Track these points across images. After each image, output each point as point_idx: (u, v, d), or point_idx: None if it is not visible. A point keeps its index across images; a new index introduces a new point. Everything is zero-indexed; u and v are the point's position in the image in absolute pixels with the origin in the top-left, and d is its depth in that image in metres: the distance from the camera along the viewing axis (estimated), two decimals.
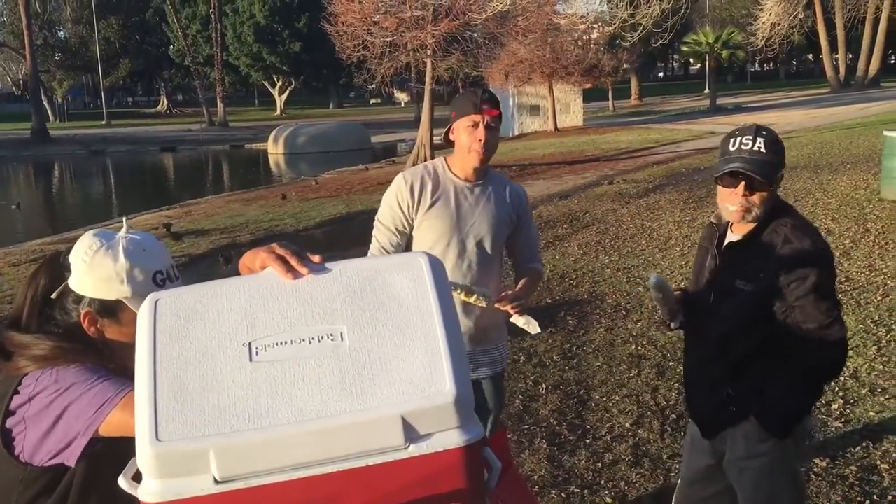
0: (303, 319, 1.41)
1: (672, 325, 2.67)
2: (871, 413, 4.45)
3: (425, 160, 19.82)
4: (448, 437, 1.36)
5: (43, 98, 51.38)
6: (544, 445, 4.32)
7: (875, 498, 3.59)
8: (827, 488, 3.67)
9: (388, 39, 17.78)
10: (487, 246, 2.96)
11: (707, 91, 45.61)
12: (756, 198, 2.36)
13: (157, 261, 1.66)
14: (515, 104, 33.38)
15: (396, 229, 2.97)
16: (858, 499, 3.59)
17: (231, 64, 56.22)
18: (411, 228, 2.96)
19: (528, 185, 17.35)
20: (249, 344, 1.38)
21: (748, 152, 2.35)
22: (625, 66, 40.22)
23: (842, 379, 4.93)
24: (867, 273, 7.17)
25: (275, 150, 34.58)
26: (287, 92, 60.09)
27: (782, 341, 2.37)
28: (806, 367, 2.36)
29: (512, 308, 2.79)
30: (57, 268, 1.69)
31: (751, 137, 2.37)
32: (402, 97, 57.41)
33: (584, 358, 5.71)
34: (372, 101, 67.95)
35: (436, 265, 1.50)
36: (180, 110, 67.23)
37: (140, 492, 1.30)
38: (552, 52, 29.58)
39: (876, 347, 5.39)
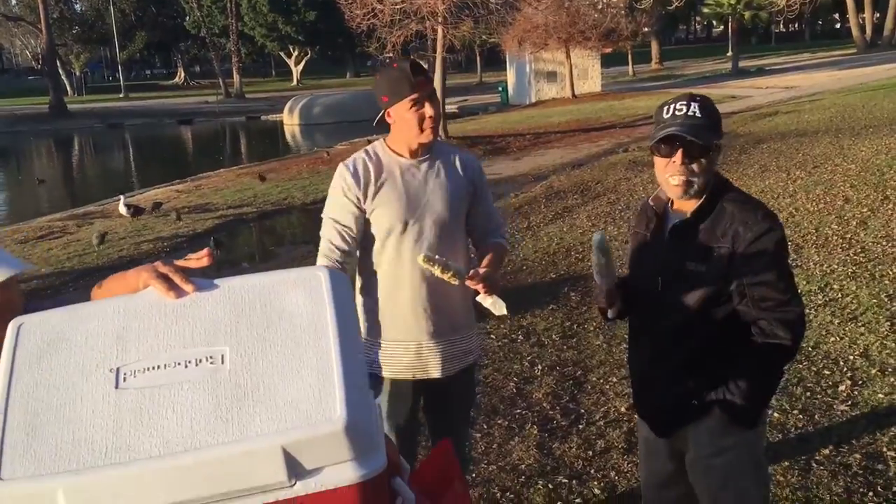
0: (181, 341, 1.25)
1: (609, 314, 2.46)
2: (881, 395, 4.23)
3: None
4: (341, 472, 1.19)
5: (61, 72, 51.51)
6: (535, 431, 4.16)
7: (879, 489, 3.39)
8: (828, 478, 3.48)
9: (397, 6, 17.43)
10: (447, 223, 2.72)
11: (729, 53, 44.72)
12: (696, 166, 2.20)
13: None
14: (532, 71, 32.91)
15: (350, 223, 2.73)
16: (861, 490, 3.39)
17: (246, 34, 55.89)
18: (364, 220, 2.74)
19: (540, 154, 17.12)
20: (117, 370, 1.23)
21: (683, 117, 2.19)
22: (644, 29, 39.44)
23: (851, 357, 4.71)
24: (884, 244, 6.89)
25: (290, 121, 34.42)
26: (303, 62, 59.75)
27: (741, 324, 2.22)
28: (767, 348, 2.20)
29: (483, 287, 2.58)
30: None
31: (685, 103, 2.22)
32: None
33: (584, 336, 5.53)
34: None
35: (337, 280, 1.33)
36: (197, 82, 67.08)
37: None
38: (568, 16, 29.07)
39: (889, 324, 5.14)
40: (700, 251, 2.22)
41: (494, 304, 2.61)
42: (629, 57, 44.14)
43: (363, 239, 2.76)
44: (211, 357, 1.23)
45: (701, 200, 2.24)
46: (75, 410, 1.18)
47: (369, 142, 3.30)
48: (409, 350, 2.75)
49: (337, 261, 2.73)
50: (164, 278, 1.30)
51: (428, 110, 2.62)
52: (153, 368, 1.22)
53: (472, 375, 3.00)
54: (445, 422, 2.95)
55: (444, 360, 2.79)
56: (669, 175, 2.21)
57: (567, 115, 24.91)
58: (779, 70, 38.77)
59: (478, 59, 51.33)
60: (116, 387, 1.20)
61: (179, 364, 1.22)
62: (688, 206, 2.27)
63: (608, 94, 31.49)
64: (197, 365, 1.22)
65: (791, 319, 2.19)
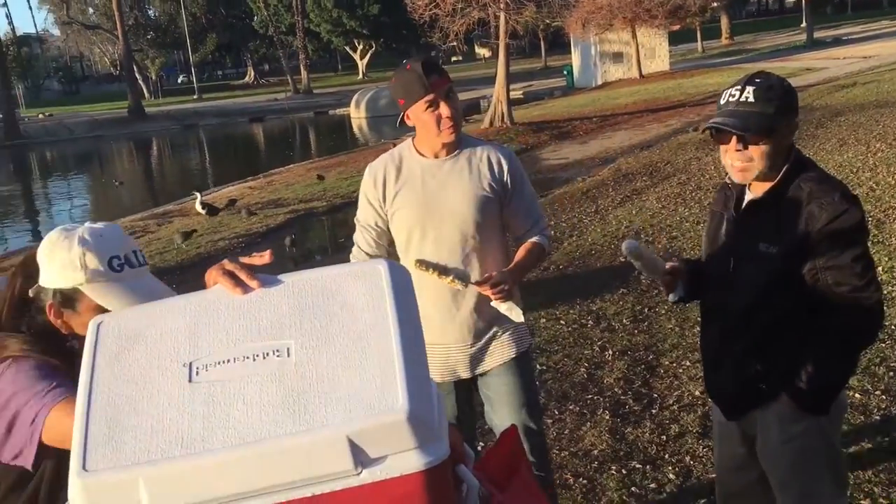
0: (248, 336, 1.30)
1: (670, 297, 2.43)
2: None
3: (502, 118, 19.59)
4: (405, 460, 1.22)
5: (138, 76, 53.15)
6: (607, 417, 4.14)
7: None
8: None
9: None
10: (467, 226, 2.60)
11: (803, 25, 43.20)
12: (754, 152, 2.12)
13: (112, 247, 1.62)
14: (597, 53, 32.46)
15: (375, 226, 2.72)
16: None
17: (312, 31, 56.64)
18: (387, 223, 2.71)
19: (607, 137, 16.91)
20: (190, 364, 1.28)
21: (735, 104, 2.13)
22: (713, 4, 38.39)
23: None
24: None
25: (357, 114, 34.80)
26: (368, 55, 60.19)
27: (812, 308, 2.13)
28: (840, 335, 2.12)
29: (493, 293, 2.45)
30: (30, 266, 1.68)
31: (739, 88, 2.14)
32: (483, 53, 56.62)
33: (655, 320, 5.46)
34: (453, 58, 67.38)
35: (396, 273, 1.36)
36: (267, 80, 68.37)
37: None
38: None
39: None
40: (772, 232, 2.16)
41: (510, 311, 2.50)
42: (698, 33, 43.08)
43: (391, 242, 2.74)
44: (277, 350, 1.27)
45: (775, 180, 2.18)
46: (152, 403, 1.24)
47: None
48: (435, 354, 2.67)
49: None
50: (231, 275, 1.35)
51: (444, 110, 2.52)
52: (223, 362, 1.27)
53: (523, 366, 2.81)
54: (499, 417, 2.80)
55: (473, 360, 2.71)
56: (729, 160, 2.17)
57: (634, 95, 24.51)
58: (856, 39, 37.30)
59: (542, 43, 50.89)
60: (190, 380, 1.26)
61: (248, 358, 1.27)
62: (762, 187, 2.21)
63: (676, 73, 30.84)
64: (264, 358, 1.26)
65: (867, 306, 2.09)
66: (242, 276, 1.35)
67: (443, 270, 2.47)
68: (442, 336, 2.68)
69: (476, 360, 2.72)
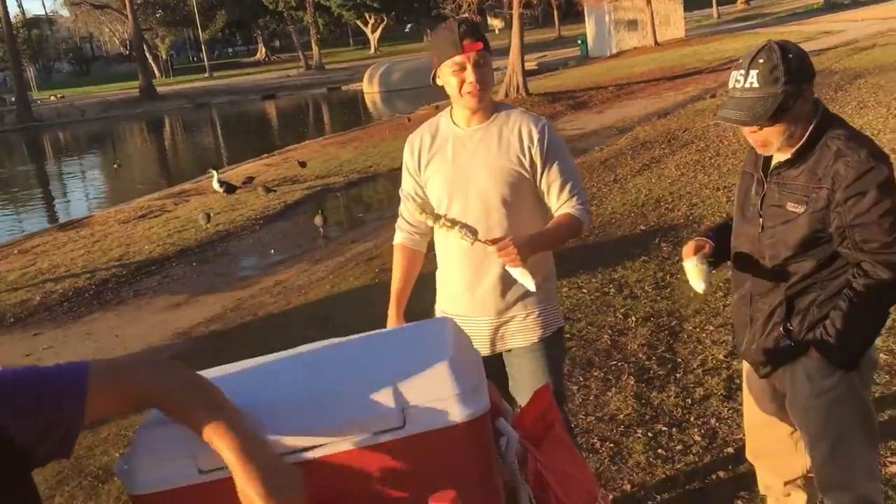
0: None
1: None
2: None
3: (517, 89, 19.43)
4: (447, 412, 1.26)
5: (148, 56, 53.12)
6: (632, 382, 4.16)
7: None
8: None
9: None
10: (492, 200, 2.52)
11: None
12: (769, 132, 2.13)
13: None
14: (612, 21, 32.14)
15: (416, 196, 2.70)
16: None
17: (323, 5, 56.26)
18: (424, 193, 2.69)
19: (624, 105, 16.78)
20: None
21: (740, 91, 2.13)
22: None
23: None
24: None
25: (370, 89, 34.67)
26: (380, 29, 59.81)
27: (841, 266, 2.15)
28: (868, 291, 2.11)
29: (499, 254, 2.32)
30: None
31: (743, 73, 2.12)
32: (496, 24, 56.16)
33: (677, 287, 5.45)
34: None
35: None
36: (278, 57, 68.20)
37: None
38: None
39: None
40: (800, 192, 2.16)
41: (522, 276, 2.39)
42: None
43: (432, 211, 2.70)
44: None
45: (801, 141, 2.17)
46: None
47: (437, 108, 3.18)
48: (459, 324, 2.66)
49: (409, 233, 2.77)
50: None
51: (469, 75, 2.45)
52: None
53: (544, 351, 2.70)
54: (521, 398, 2.71)
55: (496, 337, 2.67)
56: (748, 139, 2.20)
57: (650, 63, 24.29)
58: (875, 0, 36.67)
59: (555, 12, 50.37)
60: None
61: None
62: (791, 147, 2.20)
63: (692, 39, 30.52)
64: None
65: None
66: None
67: (452, 223, 2.41)
68: (465, 307, 2.66)
69: (499, 337, 2.68)
